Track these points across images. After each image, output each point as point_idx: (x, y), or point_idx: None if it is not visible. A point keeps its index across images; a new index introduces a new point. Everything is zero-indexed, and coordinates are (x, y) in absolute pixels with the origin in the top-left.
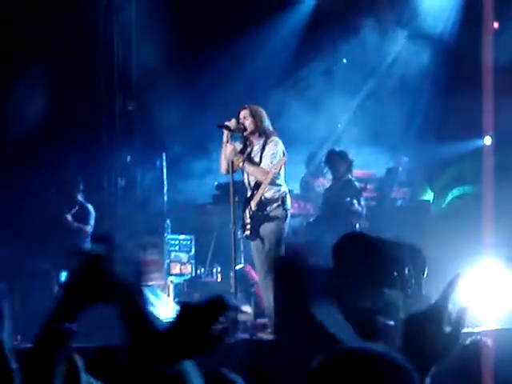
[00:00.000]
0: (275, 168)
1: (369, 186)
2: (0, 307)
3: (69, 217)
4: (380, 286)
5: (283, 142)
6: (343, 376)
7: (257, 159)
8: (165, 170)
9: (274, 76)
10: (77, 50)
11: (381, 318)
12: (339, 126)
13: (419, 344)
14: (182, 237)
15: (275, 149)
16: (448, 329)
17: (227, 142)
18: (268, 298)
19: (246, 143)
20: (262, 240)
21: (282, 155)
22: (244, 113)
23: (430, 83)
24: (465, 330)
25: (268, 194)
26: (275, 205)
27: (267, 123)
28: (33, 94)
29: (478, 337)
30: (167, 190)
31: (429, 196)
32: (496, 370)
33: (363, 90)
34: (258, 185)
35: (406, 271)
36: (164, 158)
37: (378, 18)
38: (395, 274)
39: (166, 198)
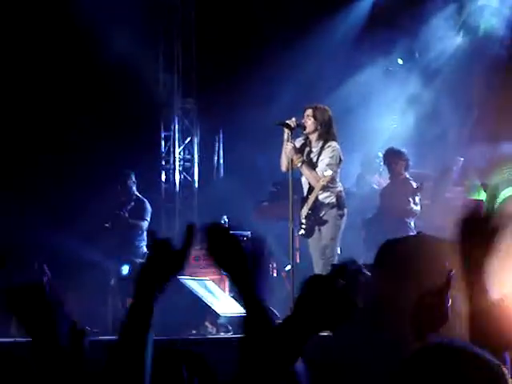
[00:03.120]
0: (323, 180)
1: (424, 185)
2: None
3: (125, 213)
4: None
5: (340, 141)
6: (432, 371)
7: (314, 160)
8: (221, 167)
9: (332, 74)
10: (135, 48)
11: None
12: (394, 125)
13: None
14: (238, 233)
15: (331, 155)
16: None
17: (288, 141)
18: None
19: (306, 142)
20: (319, 238)
21: (338, 161)
22: (308, 112)
23: (485, 84)
24: None
25: (322, 197)
26: (330, 206)
27: (329, 127)
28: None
29: None
30: (224, 186)
31: (482, 196)
32: None
33: (420, 90)
34: (312, 187)
35: (446, 266)
36: (222, 154)
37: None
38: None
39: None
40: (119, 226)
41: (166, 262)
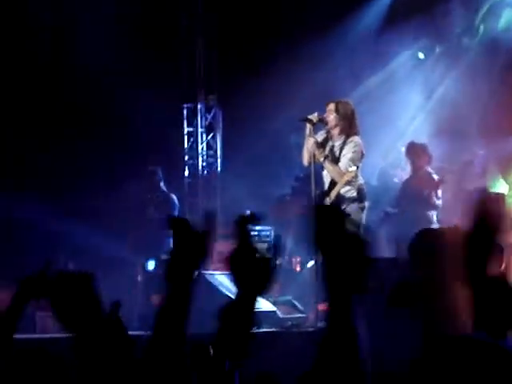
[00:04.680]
0: (347, 176)
1: (446, 179)
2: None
3: (151, 209)
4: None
5: (361, 135)
6: (451, 364)
7: (336, 155)
8: (244, 163)
9: (353, 69)
10: (158, 45)
11: None
12: (417, 119)
13: None
14: (261, 227)
15: (354, 150)
16: None
17: (309, 135)
18: None
19: (328, 136)
20: None
21: (360, 156)
22: (330, 107)
23: (505, 77)
24: None
25: (344, 191)
26: (351, 199)
27: (351, 122)
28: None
29: None
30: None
31: (503, 188)
32: None
33: (440, 84)
34: (334, 181)
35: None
36: (244, 150)
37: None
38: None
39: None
40: (146, 222)
41: (191, 243)
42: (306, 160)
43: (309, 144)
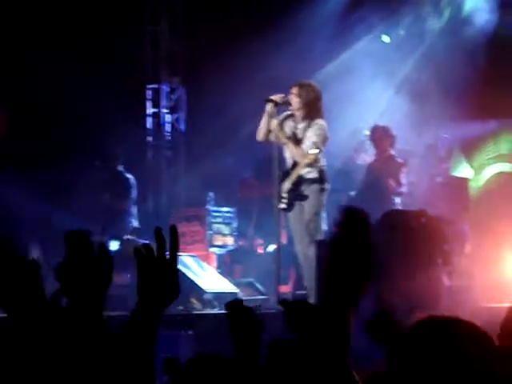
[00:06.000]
0: (308, 159)
1: (410, 162)
2: None
3: (107, 195)
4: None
5: (326, 118)
6: (428, 344)
7: (300, 137)
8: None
9: (317, 52)
10: (121, 25)
11: None
12: (381, 102)
13: None
14: (224, 209)
15: (318, 133)
16: None
17: (270, 115)
18: (308, 269)
19: (292, 117)
20: (301, 212)
21: (323, 139)
22: (293, 90)
23: (469, 62)
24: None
25: (304, 172)
26: (312, 180)
27: (315, 105)
28: (76, 68)
29: None
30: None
31: (467, 172)
32: None
33: (404, 68)
34: (296, 163)
35: (446, 247)
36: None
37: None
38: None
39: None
40: (103, 206)
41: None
42: (260, 135)
43: (272, 125)
